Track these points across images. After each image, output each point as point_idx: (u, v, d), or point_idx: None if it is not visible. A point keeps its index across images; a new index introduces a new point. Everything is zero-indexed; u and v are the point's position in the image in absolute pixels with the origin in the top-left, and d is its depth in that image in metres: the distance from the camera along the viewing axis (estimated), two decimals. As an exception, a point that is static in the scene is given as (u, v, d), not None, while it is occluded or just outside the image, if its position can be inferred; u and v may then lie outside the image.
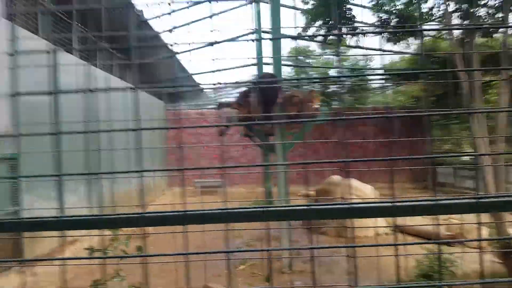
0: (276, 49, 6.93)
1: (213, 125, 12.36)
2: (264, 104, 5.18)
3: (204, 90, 16.93)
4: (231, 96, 17.00)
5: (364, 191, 7.25)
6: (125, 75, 13.18)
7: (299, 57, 19.62)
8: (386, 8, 8.94)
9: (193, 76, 14.99)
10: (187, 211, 1.21)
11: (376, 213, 1.51)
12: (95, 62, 10.16)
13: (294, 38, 12.10)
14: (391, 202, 1.19)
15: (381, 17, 10.01)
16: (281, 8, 7.68)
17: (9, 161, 5.90)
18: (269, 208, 1.27)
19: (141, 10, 10.77)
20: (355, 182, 7.53)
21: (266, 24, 9.82)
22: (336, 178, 7.92)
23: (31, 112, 4.67)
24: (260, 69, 9.84)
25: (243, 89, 7.01)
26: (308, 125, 6.23)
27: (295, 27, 11.55)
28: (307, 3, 9.63)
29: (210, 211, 1.37)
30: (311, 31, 10.96)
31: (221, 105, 6.38)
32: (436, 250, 4.90)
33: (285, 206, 1.42)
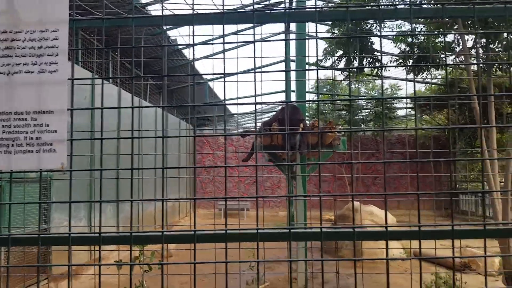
0: (300, 80, 7.28)
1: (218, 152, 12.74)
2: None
3: (232, 115, 17.48)
4: (258, 121, 17.38)
5: (381, 217, 7.36)
6: (158, 101, 13.88)
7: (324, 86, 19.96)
8: (408, 40, 9.17)
9: (222, 102, 15.57)
10: (198, 230, 1.51)
11: (375, 236, 1.77)
12: (129, 88, 10.83)
13: (318, 68, 12.45)
14: (385, 227, 1.39)
15: (404, 49, 10.26)
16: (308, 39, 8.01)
17: (42, 182, 6.24)
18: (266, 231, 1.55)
19: (175, 39, 11.48)
20: (373, 209, 7.67)
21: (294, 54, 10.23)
22: (355, 204, 8.10)
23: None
24: (288, 97, 10.29)
25: (267, 118, 7.37)
26: (328, 153, 6.52)
27: (317, 57, 11.93)
28: (332, 33, 10.03)
29: (218, 231, 1.68)
30: (332, 61, 11.34)
31: (245, 133, 6.74)
32: (448, 276, 4.98)
33: (300, 228, 1.70)
